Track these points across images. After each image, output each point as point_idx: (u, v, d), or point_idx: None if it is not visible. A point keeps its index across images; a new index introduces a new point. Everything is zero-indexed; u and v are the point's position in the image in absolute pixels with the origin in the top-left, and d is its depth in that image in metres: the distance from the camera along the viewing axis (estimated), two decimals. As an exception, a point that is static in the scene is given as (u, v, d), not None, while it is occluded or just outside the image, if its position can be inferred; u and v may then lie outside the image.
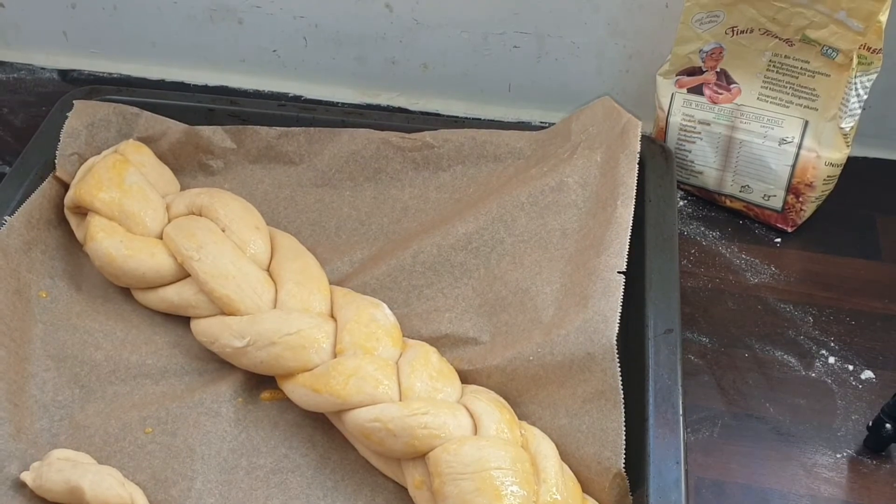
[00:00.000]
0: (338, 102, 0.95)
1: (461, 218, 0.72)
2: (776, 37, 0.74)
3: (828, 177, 0.77)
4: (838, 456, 0.66)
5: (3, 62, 1.01)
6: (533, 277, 0.67)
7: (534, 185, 0.71)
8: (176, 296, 0.71)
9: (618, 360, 0.58)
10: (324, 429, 0.66)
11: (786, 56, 0.75)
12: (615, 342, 0.59)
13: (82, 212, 0.75)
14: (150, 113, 0.81)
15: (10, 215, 0.73)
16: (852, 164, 0.78)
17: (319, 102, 0.93)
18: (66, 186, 0.78)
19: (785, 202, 0.80)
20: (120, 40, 0.98)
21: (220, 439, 0.64)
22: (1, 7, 0.99)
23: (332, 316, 0.67)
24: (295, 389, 0.65)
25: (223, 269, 0.68)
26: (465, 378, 0.65)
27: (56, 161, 0.78)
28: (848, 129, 0.75)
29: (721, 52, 0.77)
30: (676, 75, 0.80)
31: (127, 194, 0.74)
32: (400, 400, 0.61)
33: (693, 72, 0.79)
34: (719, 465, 0.66)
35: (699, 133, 0.81)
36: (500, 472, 0.56)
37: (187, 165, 0.81)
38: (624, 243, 0.64)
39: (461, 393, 0.63)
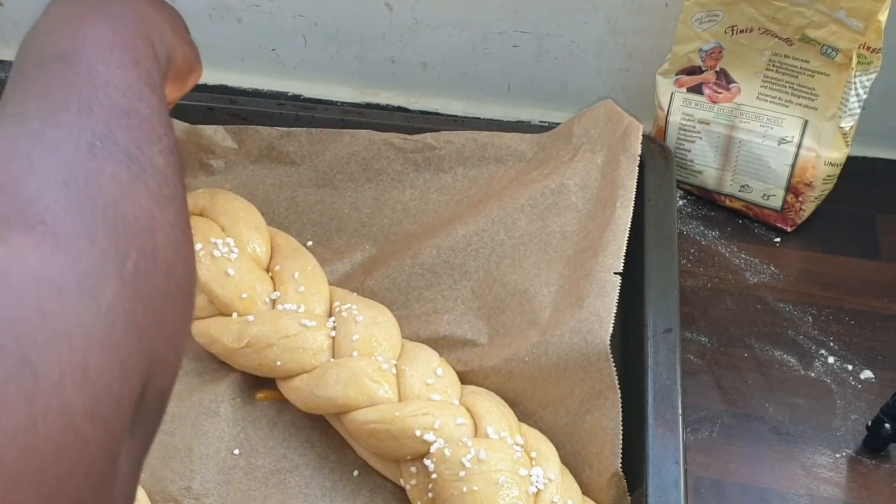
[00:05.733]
0: (337, 101, 0.95)
1: (461, 220, 0.72)
2: (776, 36, 0.74)
3: (827, 176, 0.77)
4: (837, 456, 0.66)
5: (3, 61, 1.01)
6: (532, 279, 0.67)
7: (534, 188, 0.71)
8: (175, 296, 0.71)
9: (613, 359, 0.58)
10: (322, 429, 0.66)
11: (785, 55, 0.75)
12: (609, 342, 0.59)
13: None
14: (149, 112, 0.81)
15: (9, 215, 0.73)
16: (852, 163, 0.78)
17: (319, 101, 0.93)
18: (65, 186, 0.78)
19: (784, 201, 0.80)
20: (119, 39, 0.98)
21: (218, 439, 0.64)
22: (0, 6, 0.99)
23: (332, 317, 0.68)
24: (294, 391, 0.65)
25: (223, 270, 0.68)
26: (464, 379, 0.65)
27: (55, 160, 0.78)
28: (847, 129, 0.75)
29: (720, 52, 0.77)
30: (676, 74, 0.80)
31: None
32: (399, 401, 0.61)
33: (693, 71, 0.79)
34: (718, 465, 0.66)
35: (699, 132, 0.81)
36: (500, 474, 0.56)
37: (188, 165, 0.81)
38: (621, 244, 0.64)
39: (461, 394, 0.63)
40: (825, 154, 0.76)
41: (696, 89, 0.80)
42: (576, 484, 0.59)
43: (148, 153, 0.36)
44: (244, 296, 0.67)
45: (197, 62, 0.53)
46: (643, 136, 0.70)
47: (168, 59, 0.46)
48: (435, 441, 0.59)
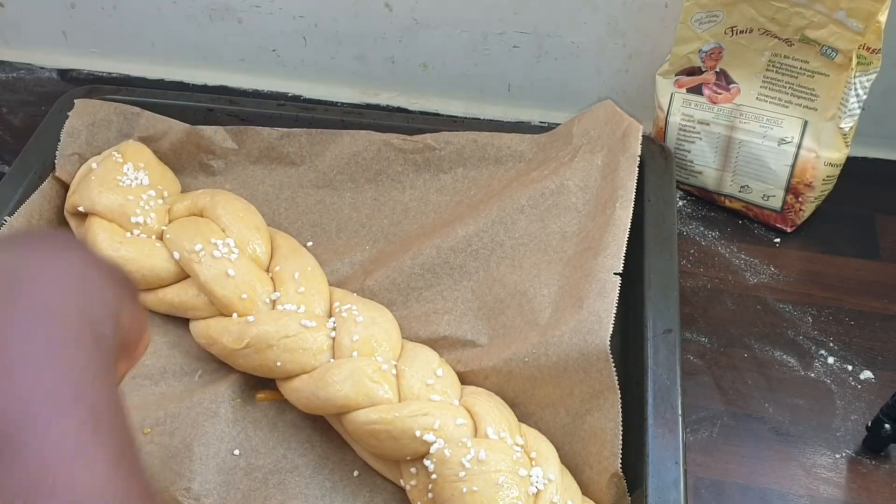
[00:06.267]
0: (337, 102, 0.95)
1: (461, 220, 0.72)
2: (775, 37, 0.74)
3: (827, 177, 0.78)
4: (837, 456, 0.66)
5: (3, 61, 1.01)
6: (531, 280, 0.67)
7: (534, 188, 0.71)
8: (175, 297, 0.71)
9: (612, 360, 0.58)
10: (322, 429, 0.66)
11: (785, 56, 0.75)
12: (608, 342, 0.59)
13: (82, 214, 0.75)
14: (150, 112, 0.81)
15: (9, 215, 0.73)
16: (851, 164, 0.78)
17: (319, 102, 0.93)
18: (65, 186, 0.78)
19: (784, 202, 0.80)
20: (119, 40, 0.98)
21: (218, 440, 0.64)
22: (0, 6, 0.99)
23: (332, 318, 0.68)
24: (294, 391, 0.65)
25: (223, 271, 0.68)
26: (464, 379, 0.65)
27: (56, 161, 0.78)
28: (847, 129, 0.75)
29: (720, 52, 0.77)
30: (676, 75, 0.80)
31: (127, 196, 0.74)
32: (399, 402, 0.61)
33: (692, 72, 0.79)
34: (718, 465, 0.66)
35: (698, 133, 0.81)
36: (500, 474, 0.56)
37: (188, 165, 0.81)
38: (621, 245, 0.64)
39: (461, 394, 0.63)
40: (825, 154, 0.76)
41: (696, 90, 0.80)
42: (576, 484, 0.59)
43: None
44: (244, 296, 0.68)
45: (146, 327, 0.44)
46: (643, 136, 0.70)
47: (114, 333, 0.38)
48: (435, 441, 0.59)
